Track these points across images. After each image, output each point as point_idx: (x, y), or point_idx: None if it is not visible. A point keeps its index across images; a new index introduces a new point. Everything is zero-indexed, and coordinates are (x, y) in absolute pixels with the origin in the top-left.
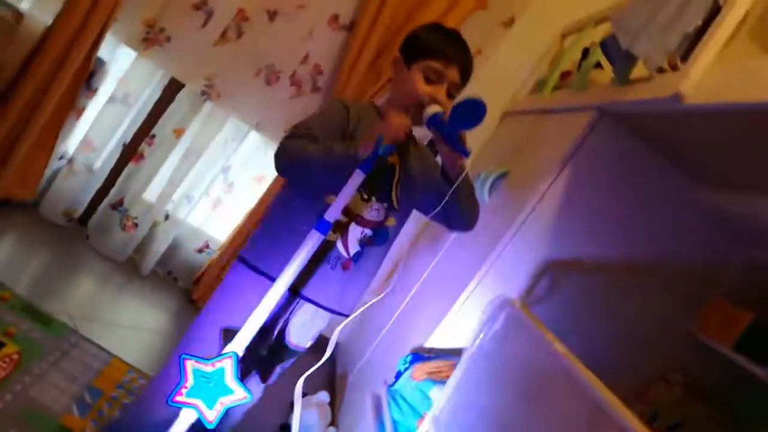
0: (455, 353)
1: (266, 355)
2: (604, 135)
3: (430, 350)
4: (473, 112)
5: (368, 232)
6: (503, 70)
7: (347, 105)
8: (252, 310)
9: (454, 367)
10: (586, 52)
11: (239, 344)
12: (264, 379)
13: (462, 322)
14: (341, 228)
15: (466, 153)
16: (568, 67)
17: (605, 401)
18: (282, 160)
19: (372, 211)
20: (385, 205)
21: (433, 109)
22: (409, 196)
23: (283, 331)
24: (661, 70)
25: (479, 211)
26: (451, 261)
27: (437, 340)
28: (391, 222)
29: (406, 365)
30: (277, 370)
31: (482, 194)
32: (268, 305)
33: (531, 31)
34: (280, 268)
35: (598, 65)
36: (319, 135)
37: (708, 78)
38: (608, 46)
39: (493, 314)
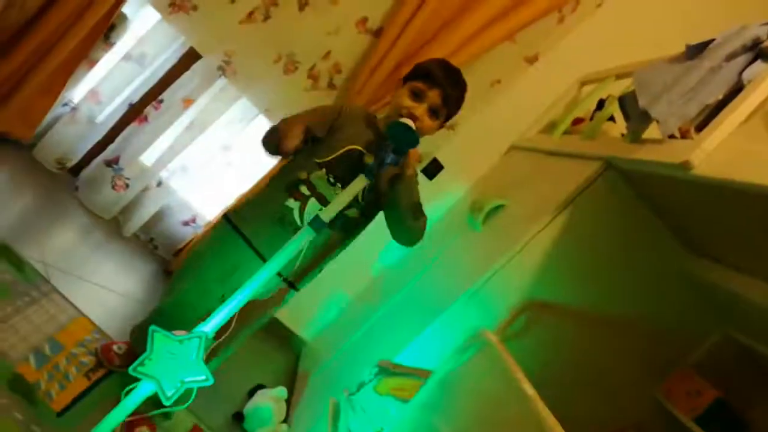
0: (421, 374)
1: None
2: (607, 187)
3: (398, 366)
4: (404, 136)
5: None
6: (518, 104)
7: (342, 106)
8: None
9: (418, 388)
10: (601, 103)
11: (211, 325)
12: None
13: (434, 343)
14: (302, 198)
15: (388, 161)
16: (582, 114)
17: None
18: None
19: (335, 196)
20: None
21: (400, 119)
22: (375, 197)
23: None
24: (671, 137)
25: (421, 228)
26: (433, 281)
27: (406, 357)
28: (353, 213)
29: (371, 377)
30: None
31: (475, 222)
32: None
33: (552, 71)
34: (251, 229)
35: (611, 119)
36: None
37: (719, 152)
38: (626, 101)
39: (468, 344)
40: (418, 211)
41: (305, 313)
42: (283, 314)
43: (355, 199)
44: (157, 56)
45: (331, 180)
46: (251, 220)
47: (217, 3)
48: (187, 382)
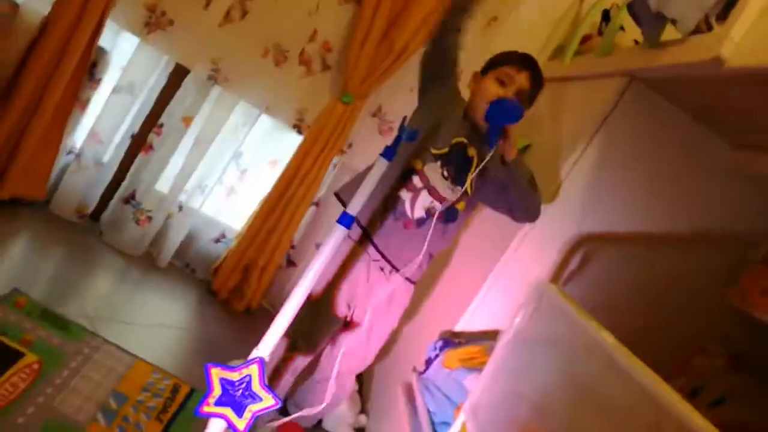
0: (486, 337)
1: None
2: (635, 101)
3: (459, 335)
4: (507, 111)
5: (437, 204)
6: (519, 37)
7: (452, 95)
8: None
9: (486, 352)
10: (606, 15)
11: (266, 348)
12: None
13: (492, 303)
14: (414, 189)
15: (491, 144)
16: (589, 30)
17: (650, 383)
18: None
19: (446, 189)
20: (459, 188)
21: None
22: (481, 187)
23: None
24: (694, 32)
25: (539, 201)
26: (476, 242)
27: (467, 324)
28: (462, 206)
29: (436, 352)
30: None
31: None
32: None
33: None
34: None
35: (621, 28)
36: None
37: (749, 38)
38: (635, 6)
39: (528, 298)
40: (535, 185)
41: None
42: None
43: (465, 191)
44: (145, 81)
45: (445, 174)
46: (363, 209)
47: (191, 12)
48: (256, 411)
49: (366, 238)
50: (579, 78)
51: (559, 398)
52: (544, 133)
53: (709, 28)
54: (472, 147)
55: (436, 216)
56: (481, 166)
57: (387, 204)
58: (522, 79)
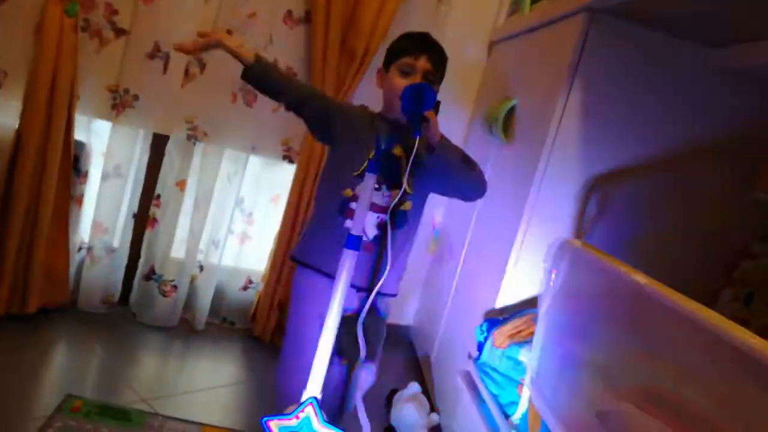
0: (528, 305)
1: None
2: (602, 32)
3: (503, 310)
4: (420, 98)
5: (384, 216)
6: (472, 6)
7: (333, 111)
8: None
9: (532, 321)
10: None
11: (315, 387)
12: (372, 358)
13: (524, 271)
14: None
15: (416, 134)
16: None
17: (699, 317)
18: None
19: (384, 198)
20: (396, 191)
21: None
22: (420, 180)
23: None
24: None
25: (480, 174)
26: (492, 214)
27: (505, 298)
28: (407, 206)
29: (485, 334)
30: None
31: (498, 135)
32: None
33: None
34: (318, 258)
35: None
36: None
37: None
38: None
39: (556, 259)
40: (470, 162)
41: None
42: None
43: (404, 191)
44: (130, 160)
45: (377, 186)
46: (319, 253)
47: (152, 81)
48: None
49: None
50: (543, 25)
51: (613, 350)
52: (525, 88)
53: None
54: (396, 146)
55: (388, 227)
56: (411, 161)
57: (339, 239)
58: (423, 63)
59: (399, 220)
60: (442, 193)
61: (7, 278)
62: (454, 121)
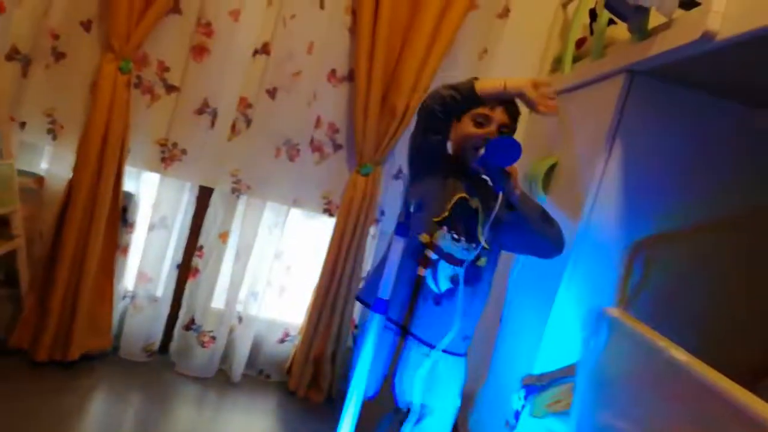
0: (567, 373)
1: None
2: (643, 93)
3: (541, 377)
4: (506, 150)
5: (459, 269)
6: (514, 61)
7: None
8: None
9: (571, 392)
10: (593, 14)
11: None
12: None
13: (564, 335)
14: (431, 263)
15: (499, 189)
16: (580, 34)
17: (742, 403)
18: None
19: (462, 251)
20: (474, 245)
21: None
22: (496, 236)
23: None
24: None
25: (559, 231)
26: (530, 276)
27: (544, 363)
28: (483, 262)
29: (523, 402)
30: None
31: (537, 193)
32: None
33: (529, 11)
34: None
35: (611, 22)
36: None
37: (732, 6)
38: (612, 3)
39: (594, 329)
40: (549, 218)
41: None
42: None
43: (481, 246)
44: (176, 211)
45: (455, 237)
46: (394, 304)
47: (200, 135)
48: None
49: (405, 331)
50: (584, 85)
51: (654, 428)
52: (567, 147)
53: (693, 4)
54: (473, 198)
55: (462, 282)
56: (493, 215)
57: (412, 289)
58: (499, 115)
59: (474, 276)
60: (516, 250)
61: (51, 325)
62: None
